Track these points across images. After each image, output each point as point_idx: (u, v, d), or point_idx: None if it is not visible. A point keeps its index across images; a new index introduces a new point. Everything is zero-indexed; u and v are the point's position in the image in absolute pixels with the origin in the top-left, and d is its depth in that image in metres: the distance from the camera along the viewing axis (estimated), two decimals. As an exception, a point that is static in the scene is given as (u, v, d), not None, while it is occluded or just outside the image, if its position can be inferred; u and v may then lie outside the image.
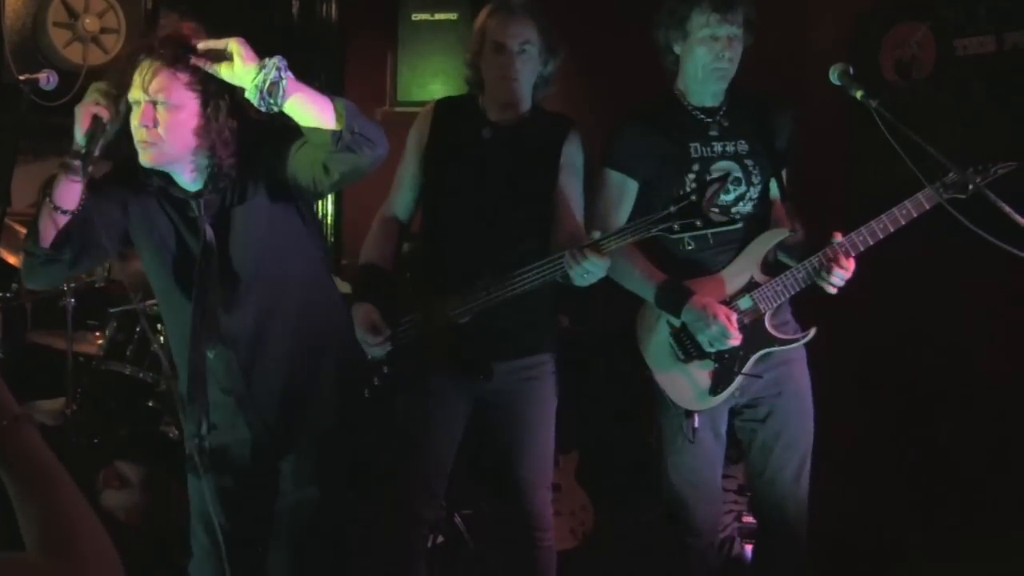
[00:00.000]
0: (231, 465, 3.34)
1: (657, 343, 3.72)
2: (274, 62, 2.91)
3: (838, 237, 3.58)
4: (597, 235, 3.32)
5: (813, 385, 3.84)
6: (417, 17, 6.34)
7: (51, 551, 1.52)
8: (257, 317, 3.24)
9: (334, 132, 2.87)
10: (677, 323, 3.65)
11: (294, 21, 7.11)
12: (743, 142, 3.77)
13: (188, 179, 3.13)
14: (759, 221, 3.78)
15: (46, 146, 6.47)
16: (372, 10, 6.75)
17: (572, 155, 3.79)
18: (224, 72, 2.92)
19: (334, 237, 6.94)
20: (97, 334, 5.25)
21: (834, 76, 3.38)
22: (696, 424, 3.68)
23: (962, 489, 4.68)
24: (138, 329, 5.02)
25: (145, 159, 3.04)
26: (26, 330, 5.52)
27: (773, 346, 3.70)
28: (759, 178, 3.77)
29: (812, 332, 3.70)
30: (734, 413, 3.83)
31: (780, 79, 5.26)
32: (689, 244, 3.66)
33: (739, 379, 3.68)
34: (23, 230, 5.06)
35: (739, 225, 3.25)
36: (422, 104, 4.25)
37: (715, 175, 3.52)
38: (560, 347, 3.91)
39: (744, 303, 3.65)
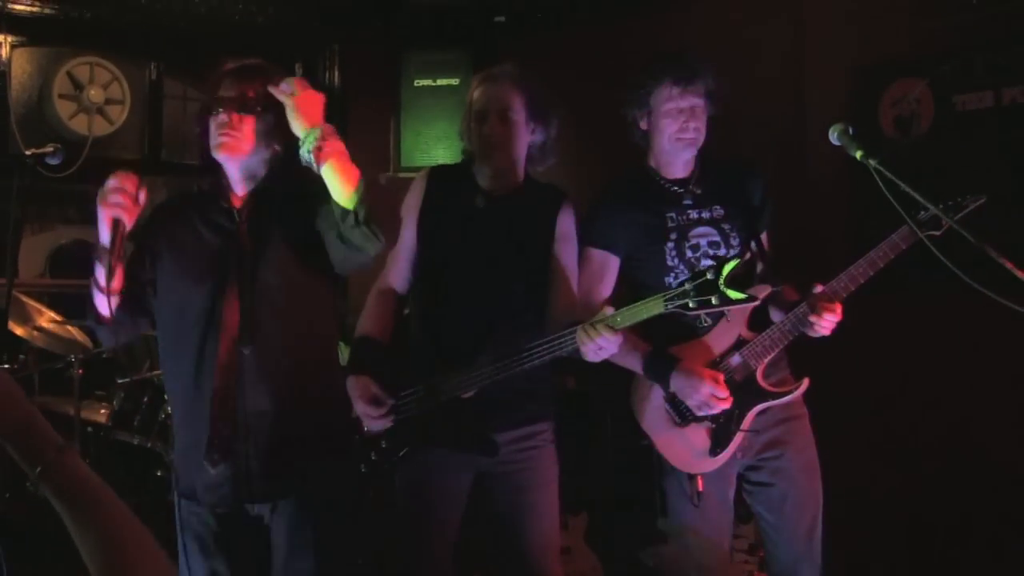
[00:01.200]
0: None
1: (652, 410, 3.72)
2: (320, 130, 3.12)
3: (818, 288, 3.60)
4: (609, 311, 3.30)
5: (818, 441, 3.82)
6: (419, 83, 6.41)
7: None
8: (275, 343, 3.26)
9: (344, 208, 3.05)
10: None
11: (297, 87, 7.16)
12: (718, 207, 3.81)
13: (237, 178, 3.36)
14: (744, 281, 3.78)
15: (52, 215, 6.53)
16: (374, 76, 6.79)
17: (567, 227, 3.78)
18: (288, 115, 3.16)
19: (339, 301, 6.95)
20: (104, 404, 5.26)
21: (833, 136, 3.38)
22: (700, 488, 3.66)
23: (970, 545, 4.66)
24: (145, 399, 5.02)
25: (219, 150, 3.29)
26: (33, 399, 5.53)
27: (768, 400, 3.68)
28: (737, 240, 3.79)
29: (805, 383, 3.68)
30: (741, 478, 3.81)
31: (780, 137, 5.30)
32: (706, 320, 3.68)
33: (739, 438, 3.67)
34: (31, 302, 5.10)
35: (758, 301, 3.24)
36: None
37: (729, 253, 3.52)
38: (558, 410, 3.87)
39: (734, 360, 3.66)
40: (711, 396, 3.55)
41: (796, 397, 3.70)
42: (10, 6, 5.90)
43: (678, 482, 3.72)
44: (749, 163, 4.00)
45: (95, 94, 6.19)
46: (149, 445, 4.99)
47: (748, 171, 3.93)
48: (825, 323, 3.56)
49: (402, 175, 6.32)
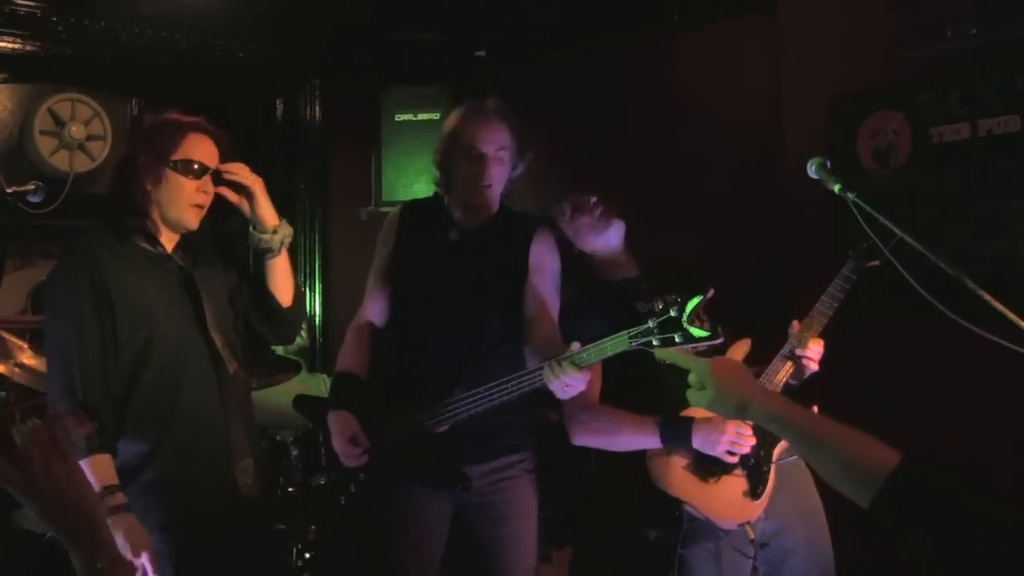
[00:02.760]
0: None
1: (679, 476, 3.68)
2: (288, 232, 3.49)
3: (796, 326, 3.66)
4: (576, 347, 3.28)
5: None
6: (400, 117, 6.43)
7: None
8: None
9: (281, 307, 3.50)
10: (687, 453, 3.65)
11: (278, 121, 7.18)
12: (675, 295, 3.83)
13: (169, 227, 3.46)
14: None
15: (34, 251, 6.51)
16: (355, 110, 6.81)
17: (541, 256, 3.77)
18: (243, 203, 3.45)
19: (321, 336, 6.95)
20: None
21: (811, 169, 3.41)
22: (752, 535, 3.65)
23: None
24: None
25: (194, 215, 3.41)
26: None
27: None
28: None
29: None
30: (760, 545, 3.77)
31: (759, 168, 5.34)
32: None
33: (774, 474, 3.68)
34: (11, 338, 5.08)
35: (721, 340, 3.27)
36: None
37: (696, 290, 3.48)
38: (536, 442, 3.87)
39: None
40: (737, 436, 3.56)
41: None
42: (-10, 43, 5.91)
43: (705, 550, 3.68)
44: None
45: (76, 130, 6.18)
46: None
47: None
48: (812, 354, 3.63)
49: (383, 209, 6.32)
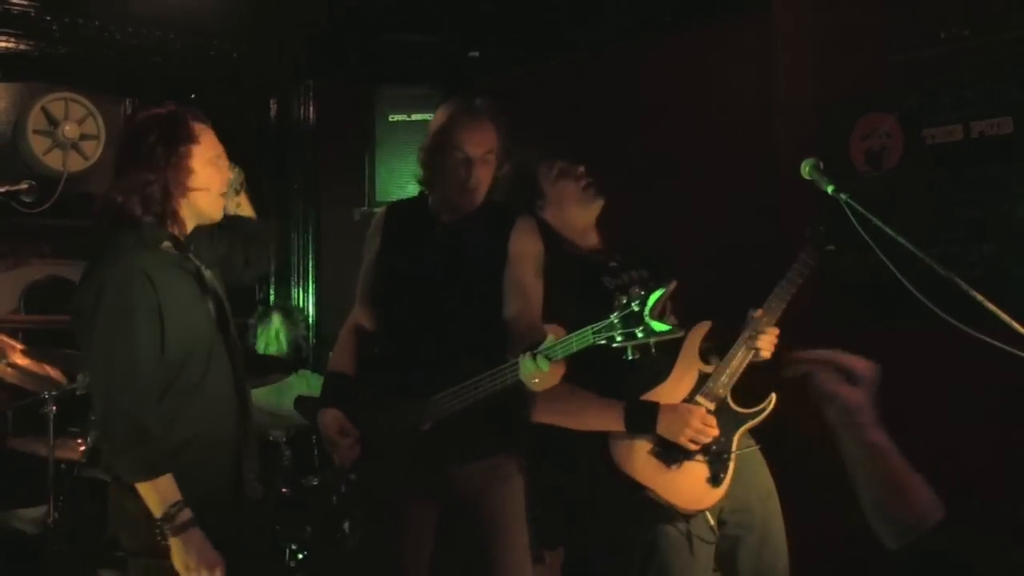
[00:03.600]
0: None
1: (643, 460, 3.68)
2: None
3: (757, 312, 3.70)
4: (550, 340, 3.25)
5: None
6: (394, 118, 6.44)
7: None
8: None
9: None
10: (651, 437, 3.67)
11: (271, 122, 7.18)
12: (643, 269, 3.92)
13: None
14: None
15: (27, 250, 6.51)
16: (348, 111, 6.82)
17: (520, 244, 3.71)
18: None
19: (315, 336, 6.95)
20: (79, 441, 5.23)
21: (805, 171, 3.43)
22: (712, 521, 3.67)
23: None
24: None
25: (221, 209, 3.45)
26: (7, 437, 5.49)
27: (746, 421, 3.73)
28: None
29: (773, 398, 3.72)
30: (720, 523, 3.80)
31: (751, 172, 5.35)
32: (635, 353, 3.36)
33: (733, 464, 3.70)
34: (4, 338, 5.08)
35: (682, 333, 3.23)
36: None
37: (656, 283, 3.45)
38: (526, 441, 3.84)
39: (703, 394, 3.70)
40: (702, 425, 3.59)
41: (769, 413, 3.74)
42: (-16, 42, 5.91)
43: (677, 533, 3.69)
44: None
45: (70, 130, 6.18)
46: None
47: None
48: (766, 343, 3.68)
49: (376, 210, 6.32)
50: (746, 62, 5.58)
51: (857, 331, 4.73)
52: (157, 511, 3.06)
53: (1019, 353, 2.89)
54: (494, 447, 3.72)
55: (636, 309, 3.07)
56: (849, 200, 3.28)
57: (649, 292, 3.08)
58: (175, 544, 3.07)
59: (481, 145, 3.69)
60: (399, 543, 3.75)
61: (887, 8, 4.95)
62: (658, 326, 3.06)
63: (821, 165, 3.43)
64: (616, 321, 3.09)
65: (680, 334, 3.18)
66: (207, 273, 3.38)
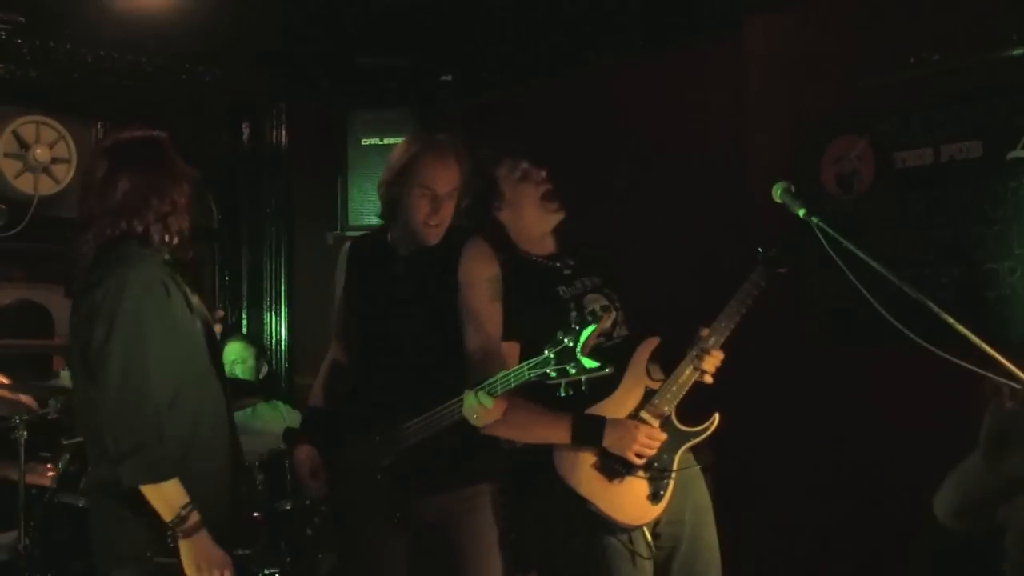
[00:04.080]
0: None
1: (586, 474, 3.66)
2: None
3: (704, 331, 3.68)
4: (493, 376, 3.29)
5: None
6: (366, 142, 6.45)
7: None
8: None
9: None
10: (595, 451, 3.66)
11: (244, 145, 7.18)
12: (595, 276, 3.89)
13: None
14: (634, 339, 3.84)
15: (-2, 273, 6.47)
16: (321, 135, 6.82)
17: (469, 272, 3.67)
18: None
19: (287, 361, 6.94)
20: (49, 466, 5.19)
21: (776, 194, 3.44)
22: (649, 538, 3.68)
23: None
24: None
25: None
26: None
27: (690, 439, 3.73)
28: (619, 302, 3.87)
29: (716, 418, 3.72)
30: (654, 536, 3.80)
31: (723, 194, 5.37)
32: (569, 391, 3.33)
33: (673, 482, 3.71)
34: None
35: (609, 371, 3.24)
36: (373, 227, 4.25)
37: (589, 318, 3.33)
38: (500, 468, 3.80)
39: (647, 411, 3.70)
40: (648, 440, 3.59)
41: (711, 432, 3.74)
42: (-45, 67, 5.89)
43: (619, 543, 3.69)
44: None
45: (41, 153, 6.16)
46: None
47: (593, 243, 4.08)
48: (711, 366, 3.67)
49: (349, 234, 6.32)
50: (718, 86, 5.61)
51: (828, 352, 4.78)
52: (168, 514, 3.10)
53: (989, 375, 2.90)
54: (461, 479, 3.70)
55: (570, 345, 3.10)
56: (820, 223, 3.30)
57: (582, 328, 3.11)
58: (185, 546, 3.12)
59: (447, 183, 3.69)
60: (371, 574, 3.75)
61: (857, 33, 4.99)
62: (588, 363, 3.09)
63: (792, 188, 3.44)
64: (551, 356, 3.12)
65: (608, 372, 3.20)
66: (193, 295, 3.43)
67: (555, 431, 3.63)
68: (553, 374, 3.13)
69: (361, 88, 6.69)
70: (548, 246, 3.94)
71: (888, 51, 4.85)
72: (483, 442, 3.68)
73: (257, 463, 5.09)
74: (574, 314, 3.64)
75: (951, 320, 2.99)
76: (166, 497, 3.10)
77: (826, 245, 3.21)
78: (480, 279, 3.67)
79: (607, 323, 3.41)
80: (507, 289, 3.72)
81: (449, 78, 6.69)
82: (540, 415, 3.62)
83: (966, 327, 2.98)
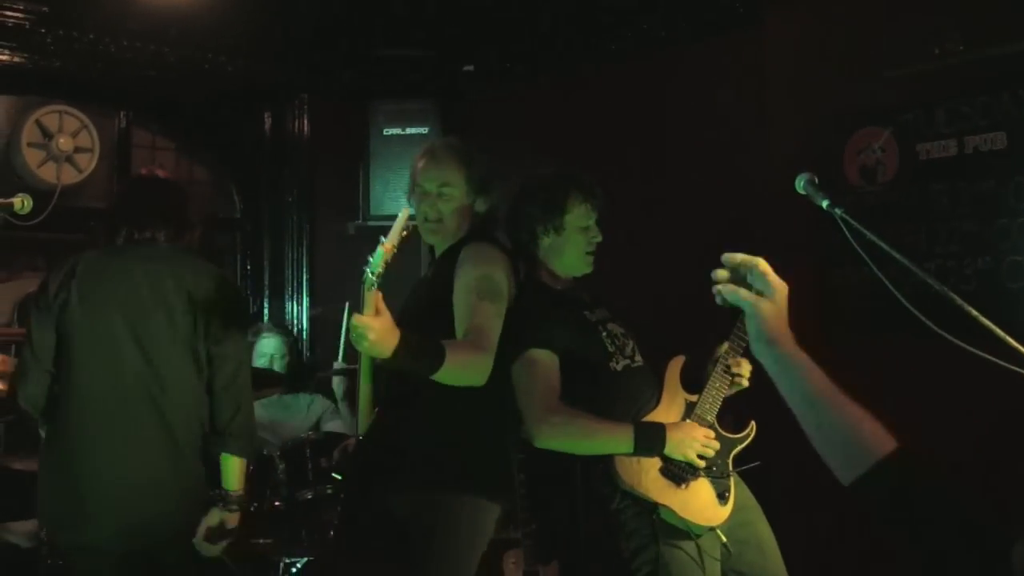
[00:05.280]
0: None
1: (654, 480, 3.70)
2: None
3: (723, 347, 3.80)
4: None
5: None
6: (388, 132, 6.45)
7: None
8: None
9: None
10: (658, 459, 3.71)
11: (266, 136, 7.19)
12: (603, 309, 4.02)
13: None
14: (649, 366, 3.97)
15: (20, 263, 6.50)
16: (343, 125, 6.82)
17: (461, 272, 3.68)
18: None
19: (308, 351, 6.94)
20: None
21: (799, 185, 3.42)
22: (724, 539, 3.73)
23: None
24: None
25: None
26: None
27: (736, 445, 3.83)
28: (631, 332, 4.00)
29: (753, 425, 3.84)
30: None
31: (746, 187, 5.35)
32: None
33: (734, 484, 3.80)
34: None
35: None
36: (394, 218, 4.23)
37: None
38: (476, 481, 3.76)
39: (693, 420, 3.78)
40: (708, 440, 3.69)
41: (752, 438, 3.86)
42: (-22, 55, 5.91)
43: (684, 548, 3.69)
44: None
45: (64, 143, 6.18)
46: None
47: None
48: (744, 372, 3.79)
49: (371, 224, 6.33)
50: (740, 77, 5.58)
51: (852, 344, 4.76)
52: (239, 486, 3.86)
53: (1013, 368, 2.88)
54: (426, 482, 3.70)
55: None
56: (843, 215, 3.28)
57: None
58: (226, 516, 3.84)
59: (436, 179, 3.82)
60: (352, 552, 3.89)
61: (882, 23, 4.96)
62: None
63: (815, 180, 3.42)
64: None
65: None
66: None
67: (618, 439, 3.68)
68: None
69: (383, 78, 6.69)
70: (567, 283, 4.01)
71: (912, 42, 4.81)
72: (464, 449, 3.73)
73: (278, 453, 5.11)
74: (604, 335, 3.85)
75: (975, 312, 2.97)
76: (244, 472, 3.87)
77: (849, 237, 3.19)
78: (469, 280, 3.66)
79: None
80: (540, 311, 3.81)
81: (471, 69, 6.69)
82: (601, 423, 3.69)
83: (990, 319, 2.96)
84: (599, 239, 3.95)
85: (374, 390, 3.84)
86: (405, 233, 3.14)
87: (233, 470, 3.84)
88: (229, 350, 3.86)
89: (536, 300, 3.83)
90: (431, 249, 4.00)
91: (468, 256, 3.72)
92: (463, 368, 3.35)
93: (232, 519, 3.84)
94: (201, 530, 3.80)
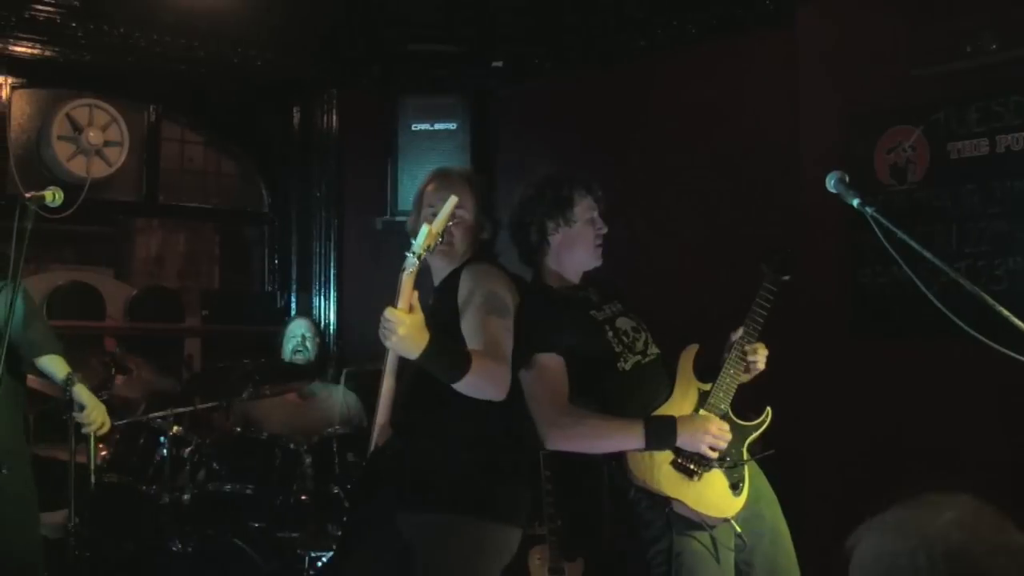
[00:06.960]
0: None
1: (666, 474, 3.70)
2: None
3: (739, 332, 3.82)
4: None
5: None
6: (416, 127, 6.45)
7: None
8: None
9: None
10: (670, 452, 3.70)
11: (294, 130, 7.21)
12: (616, 303, 3.97)
13: None
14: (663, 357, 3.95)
15: (50, 256, 6.54)
16: (371, 120, 6.83)
17: (465, 294, 3.63)
18: None
19: (335, 346, 6.96)
20: (100, 446, 5.24)
21: (830, 184, 3.41)
22: (739, 529, 3.71)
23: None
24: (141, 441, 5.02)
25: None
26: (29, 443, 5.51)
27: (751, 433, 3.82)
28: (644, 323, 3.97)
29: (769, 411, 3.82)
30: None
31: (775, 185, 5.34)
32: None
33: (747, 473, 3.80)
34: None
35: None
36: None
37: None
38: (498, 506, 3.68)
39: (706, 409, 3.77)
40: (719, 431, 3.67)
41: (768, 425, 3.84)
42: (10, 48, 5.93)
43: (700, 544, 3.70)
44: None
45: (94, 136, 6.21)
46: (144, 488, 5.01)
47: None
48: (760, 357, 3.83)
49: (399, 219, 6.33)
50: (771, 75, 5.57)
51: (881, 343, 4.74)
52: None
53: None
54: (437, 503, 3.62)
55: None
56: (875, 214, 3.26)
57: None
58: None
59: (443, 201, 3.69)
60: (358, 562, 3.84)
61: (913, 22, 4.93)
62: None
63: (846, 178, 3.41)
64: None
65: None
66: None
67: (629, 436, 3.68)
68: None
69: (411, 74, 6.70)
70: (577, 282, 3.99)
71: (944, 40, 4.79)
72: (470, 469, 3.65)
73: (305, 447, 5.12)
74: (610, 334, 3.80)
75: (1006, 312, 2.96)
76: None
77: (880, 235, 3.18)
78: (474, 300, 3.61)
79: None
80: (548, 316, 3.78)
81: (500, 64, 6.68)
82: (611, 422, 3.70)
83: (1021, 319, 2.94)
84: (605, 230, 3.94)
85: (396, 393, 3.80)
86: (452, 223, 3.13)
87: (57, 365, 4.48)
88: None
89: (541, 305, 3.80)
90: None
91: (470, 276, 3.67)
92: (486, 376, 3.33)
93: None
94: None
